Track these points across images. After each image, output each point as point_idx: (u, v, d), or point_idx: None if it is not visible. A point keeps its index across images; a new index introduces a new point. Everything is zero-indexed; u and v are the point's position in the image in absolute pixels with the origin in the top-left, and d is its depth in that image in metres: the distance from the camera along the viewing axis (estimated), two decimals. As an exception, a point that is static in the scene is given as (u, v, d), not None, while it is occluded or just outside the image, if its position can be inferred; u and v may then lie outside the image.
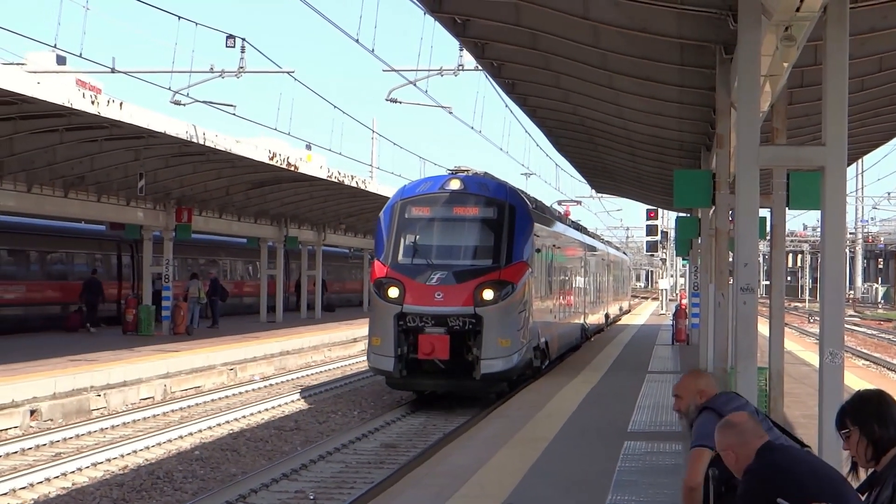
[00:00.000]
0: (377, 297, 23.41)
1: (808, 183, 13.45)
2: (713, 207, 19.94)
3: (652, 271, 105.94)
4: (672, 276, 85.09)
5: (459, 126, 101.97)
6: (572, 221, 45.66)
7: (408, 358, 22.82)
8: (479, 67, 25.71)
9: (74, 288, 38.71)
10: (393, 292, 22.89)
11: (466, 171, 26.19)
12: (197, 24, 27.89)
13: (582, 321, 39.97)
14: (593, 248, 47.39)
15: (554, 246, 30.50)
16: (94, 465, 16.77)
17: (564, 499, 13.83)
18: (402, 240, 24.27)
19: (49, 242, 39.18)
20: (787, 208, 16.79)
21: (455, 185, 24.60)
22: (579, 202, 62.12)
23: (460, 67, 32.65)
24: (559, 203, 57.40)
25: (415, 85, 34.37)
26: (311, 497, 15.30)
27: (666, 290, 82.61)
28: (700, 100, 20.45)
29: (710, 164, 21.94)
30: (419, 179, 26.01)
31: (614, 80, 20.18)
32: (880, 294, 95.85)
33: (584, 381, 27.28)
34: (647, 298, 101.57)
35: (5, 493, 14.88)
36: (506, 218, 24.19)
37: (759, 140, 12.20)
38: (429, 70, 33.60)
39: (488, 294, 22.71)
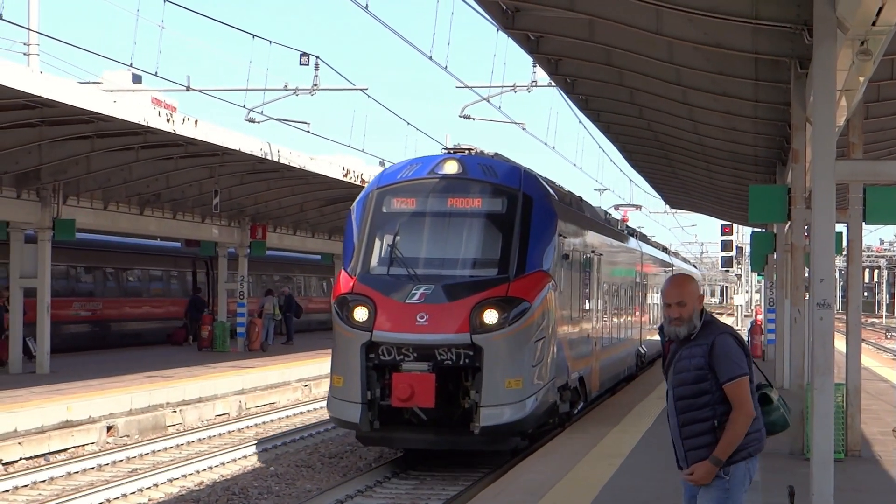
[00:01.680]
0: (338, 321, 16.36)
1: (886, 197, 13.38)
2: (789, 223, 19.64)
3: (727, 287, 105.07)
4: (747, 291, 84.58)
5: (533, 142, 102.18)
6: (628, 226, 39.89)
7: (381, 405, 16.11)
8: (553, 84, 24.57)
9: (158, 303, 39.71)
10: (360, 314, 15.98)
11: (468, 149, 18.64)
12: (271, 42, 28.27)
13: (638, 345, 33.92)
14: (653, 258, 41.69)
15: (594, 252, 22.79)
16: (170, 480, 17.00)
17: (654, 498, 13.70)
18: (376, 242, 17.09)
19: (128, 260, 40.25)
20: (863, 223, 16.49)
21: (451, 167, 17.36)
22: (639, 207, 57.03)
23: (533, 84, 32.52)
24: (616, 208, 54.11)
25: (488, 101, 34.54)
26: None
27: (741, 305, 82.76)
28: (775, 115, 20.31)
29: (786, 178, 21.62)
30: (405, 161, 18.41)
31: (688, 95, 20.10)
32: None
33: (623, 432, 19.70)
34: (721, 314, 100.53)
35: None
36: (518, 212, 17.00)
37: (834, 155, 12.10)
38: (502, 86, 33.77)
39: (491, 316, 15.84)
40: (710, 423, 6.67)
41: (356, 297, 16.20)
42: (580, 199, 24.67)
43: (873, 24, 10.91)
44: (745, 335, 49.68)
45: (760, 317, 42.83)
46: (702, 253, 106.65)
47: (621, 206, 55.42)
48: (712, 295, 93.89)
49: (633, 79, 20.00)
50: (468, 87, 32.36)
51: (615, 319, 27.85)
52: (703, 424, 6.68)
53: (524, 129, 38.69)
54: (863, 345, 20.89)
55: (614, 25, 15.37)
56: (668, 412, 7.02)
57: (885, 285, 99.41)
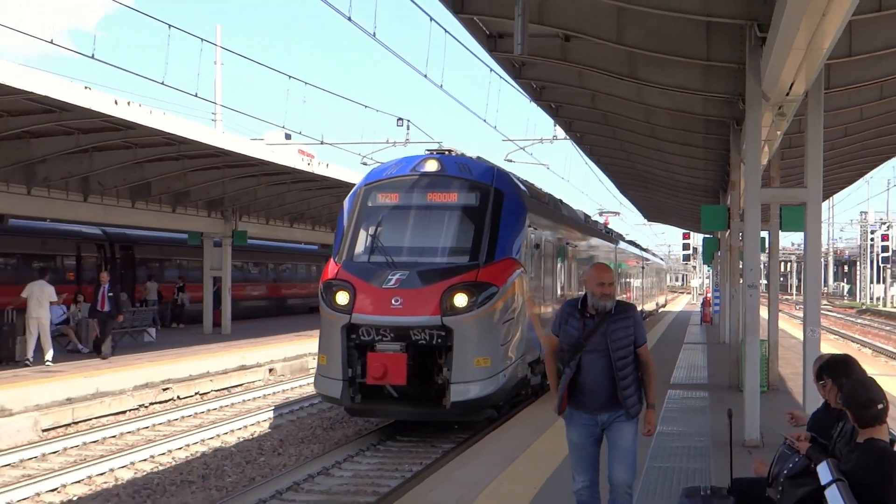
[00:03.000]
0: (323, 305, 13.26)
1: (795, 213, 13.03)
2: (728, 231, 19.31)
3: (686, 274, 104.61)
4: (700, 277, 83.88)
5: (554, 178, 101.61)
6: (608, 228, 35.47)
7: (361, 381, 12.98)
8: (568, 137, 24.33)
9: (303, 286, 40.87)
10: (341, 298, 12.91)
11: (448, 151, 15.16)
12: (377, 110, 28.68)
13: None
14: (628, 252, 37.39)
15: (568, 243, 18.86)
16: (311, 405, 17.13)
17: None
18: (361, 233, 13.93)
19: (282, 257, 40.59)
20: (780, 231, 16.50)
21: (430, 166, 14.20)
22: (617, 213, 52.64)
23: (555, 137, 32.22)
24: (600, 213, 49.32)
25: (524, 150, 34.62)
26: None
27: (696, 287, 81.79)
28: (719, 157, 20.04)
29: (726, 201, 21.21)
30: (392, 160, 14.95)
31: (661, 144, 19.95)
32: (845, 290, 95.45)
33: None
34: (683, 293, 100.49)
35: (254, 424, 15.33)
36: (490, 205, 13.75)
37: (759, 184, 11.99)
38: (533, 140, 33.85)
39: (461, 300, 12.69)
40: (635, 375, 6.19)
41: (338, 283, 12.93)
42: (559, 200, 20.45)
43: (787, 94, 10.79)
44: (699, 307, 49.01)
45: (709, 295, 42.28)
46: (669, 251, 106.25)
47: (604, 212, 50.44)
48: (676, 280, 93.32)
49: (623, 133, 19.86)
50: (510, 140, 32.35)
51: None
52: (632, 377, 6.16)
53: (548, 168, 38.77)
54: (779, 314, 20.54)
55: (609, 97, 15.17)
56: (590, 370, 6.12)
57: (794, 273, 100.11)
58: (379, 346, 12.35)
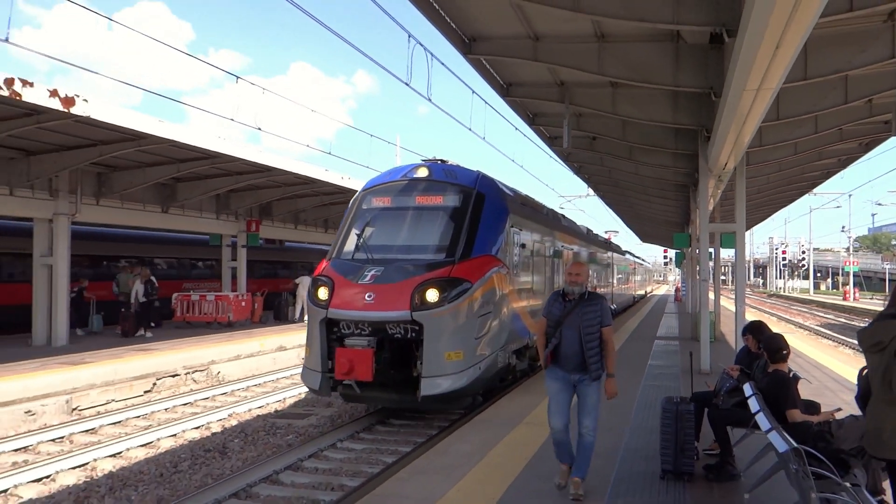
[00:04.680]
0: (307, 299, 11.28)
1: (729, 238, 14.65)
2: (690, 248, 21.02)
3: (665, 273, 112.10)
4: (674, 275, 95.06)
5: (587, 219, 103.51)
6: (605, 239, 32.03)
7: (330, 375, 10.63)
8: (591, 190, 25.05)
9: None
10: (322, 293, 10.93)
11: (441, 160, 12.85)
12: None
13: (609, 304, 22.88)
14: (622, 258, 35.14)
15: (563, 246, 16.29)
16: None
17: (633, 362, 14.14)
18: (352, 233, 11.90)
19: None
20: (721, 248, 16.99)
21: (420, 172, 12.09)
22: (617, 232, 55.25)
23: (588, 194, 33.05)
24: (605, 232, 48.91)
25: (569, 201, 39.17)
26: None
27: (672, 280, 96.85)
28: (684, 204, 21.42)
29: (689, 230, 21.85)
30: (391, 168, 12.80)
31: (649, 197, 21.45)
32: (760, 283, 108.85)
33: (623, 328, 23.02)
34: (664, 284, 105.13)
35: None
36: (471, 207, 11.59)
37: (708, 220, 13.51)
38: (579, 196, 37.70)
39: (432, 295, 10.41)
40: (599, 348, 6.14)
41: (321, 279, 10.94)
42: (558, 213, 17.81)
43: (724, 169, 12.62)
44: (673, 292, 56.86)
45: (679, 285, 47.55)
46: (654, 259, 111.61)
47: (608, 231, 50.97)
48: (660, 276, 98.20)
49: (623, 186, 20.46)
50: (562, 196, 35.43)
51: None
52: (596, 350, 6.12)
53: (583, 211, 41.73)
54: (720, 296, 20.55)
55: (609, 139, 15.01)
56: (566, 340, 6.17)
57: (730, 272, 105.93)
58: (348, 342, 10.20)
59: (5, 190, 16.64)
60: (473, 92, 15.12)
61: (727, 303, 35.92)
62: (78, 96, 13.12)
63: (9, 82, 11.99)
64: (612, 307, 26.08)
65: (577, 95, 12.69)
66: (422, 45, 11.99)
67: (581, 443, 6.27)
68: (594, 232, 25.26)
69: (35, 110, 13.28)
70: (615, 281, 30.59)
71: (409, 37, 11.70)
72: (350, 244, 11.46)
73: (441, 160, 12.56)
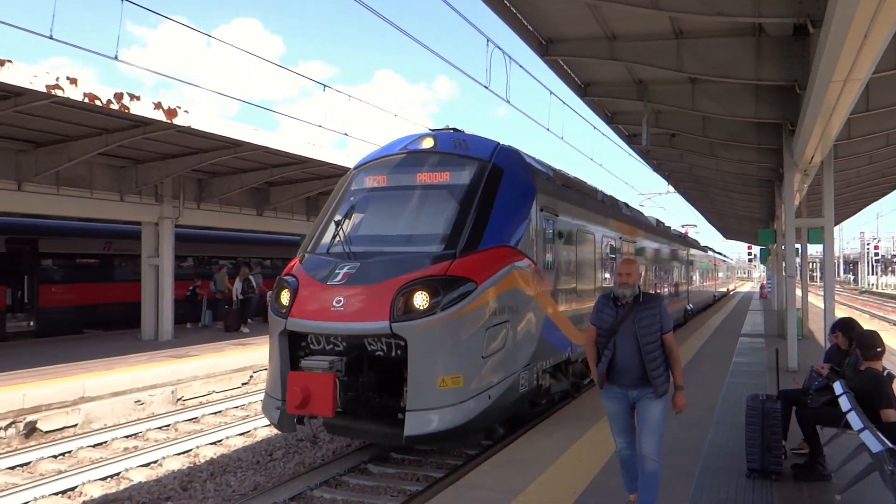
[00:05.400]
0: (270, 307, 8.14)
1: (817, 233, 13.86)
2: (775, 244, 20.28)
3: (750, 270, 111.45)
4: (759, 272, 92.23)
5: (669, 217, 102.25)
6: (682, 233, 29.75)
7: (281, 409, 7.71)
8: (671, 187, 24.87)
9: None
10: (284, 298, 7.90)
11: (455, 129, 9.52)
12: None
13: (685, 305, 23.71)
14: (701, 253, 31.67)
15: (621, 237, 13.31)
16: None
17: (717, 358, 14.06)
18: (335, 220, 8.75)
19: None
20: (808, 243, 16.23)
21: (425, 143, 9.04)
22: (695, 225, 54.95)
23: (669, 191, 32.42)
24: (682, 226, 46.47)
25: (649, 198, 38.30)
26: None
27: (757, 277, 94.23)
28: (769, 200, 21.02)
29: (774, 226, 21.47)
30: (392, 141, 9.49)
31: (731, 193, 21.34)
32: (850, 279, 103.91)
33: (706, 325, 22.37)
34: (749, 281, 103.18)
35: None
36: (482, 184, 8.39)
37: (794, 215, 13.19)
38: (659, 193, 37.06)
39: (420, 299, 7.21)
40: (663, 357, 5.29)
41: (285, 279, 8.05)
42: (616, 199, 14.38)
43: (810, 162, 12.05)
44: (758, 289, 55.43)
45: (765, 282, 46.10)
46: (738, 256, 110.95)
47: (685, 225, 49.96)
48: (744, 273, 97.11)
49: (705, 183, 20.41)
50: (642, 193, 34.59)
51: (661, 289, 18.38)
52: (659, 360, 5.25)
53: (663, 209, 40.65)
54: (809, 293, 21.07)
55: (699, 166, 16.15)
56: (622, 352, 5.28)
57: (818, 269, 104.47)
58: (304, 363, 7.39)
59: (116, 196, 17.62)
60: (551, 93, 14.99)
61: (815, 299, 34.61)
62: (180, 108, 13.74)
63: (118, 96, 12.69)
64: (689, 307, 24.83)
65: (656, 93, 12.61)
66: (500, 48, 12.12)
67: (644, 471, 5.29)
68: (666, 225, 22.26)
69: (142, 122, 13.97)
70: (693, 279, 27.92)
71: (488, 41, 11.82)
72: (328, 235, 8.52)
73: (454, 129, 9.37)
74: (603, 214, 12.29)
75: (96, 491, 8.37)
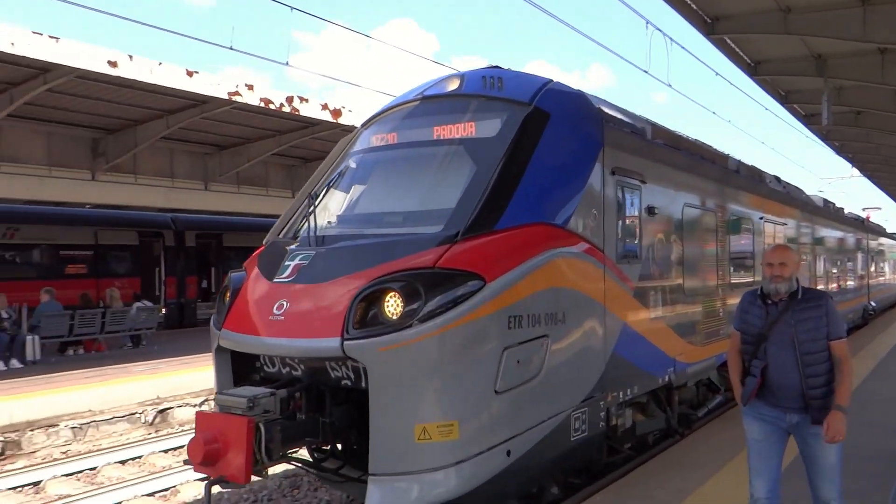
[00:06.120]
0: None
1: None
2: None
3: None
4: None
5: (850, 203, 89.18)
6: (857, 217, 23.52)
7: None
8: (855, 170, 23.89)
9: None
10: (227, 300, 5.29)
11: (496, 67, 6.17)
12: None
13: (865, 302, 20.43)
14: (884, 241, 26.62)
15: (749, 219, 9.67)
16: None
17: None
18: (321, 192, 5.81)
19: None
20: None
21: (450, 85, 5.81)
22: (880, 208, 47.20)
23: (852, 176, 28.28)
24: (863, 210, 39.49)
25: (829, 183, 35.76)
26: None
27: None
28: None
29: None
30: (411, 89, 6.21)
31: None
32: None
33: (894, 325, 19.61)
34: None
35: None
36: (515, 136, 5.19)
37: None
38: (839, 178, 35.59)
39: (390, 305, 4.35)
40: (829, 374, 4.07)
41: (231, 275, 5.79)
42: (758, 169, 11.15)
43: None
44: None
45: None
46: None
47: (867, 208, 45.26)
48: None
49: (888, 150, 18.65)
50: (822, 178, 33.79)
51: (831, 285, 15.47)
52: (824, 376, 4.07)
53: (843, 194, 37.10)
54: None
55: (875, 114, 14.05)
56: (775, 363, 4.12)
57: None
58: (219, 398, 5.03)
59: (288, 193, 18.93)
60: (717, 73, 14.37)
61: None
62: (344, 108, 14.50)
63: (289, 100, 13.68)
64: (871, 305, 21.68)
65: (837, 67, 11.88)
66: (660, 30, 11.97)
67: None
68: (838, 206, 18.80)
69: (310, 122, 14.92)
70: (875, 271, 24.35)
71: (647, 23, 11.52)
72: (308, 211, 5.83)
73: (494, 66, 6.50)
74: (732, 186, 9.28)
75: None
